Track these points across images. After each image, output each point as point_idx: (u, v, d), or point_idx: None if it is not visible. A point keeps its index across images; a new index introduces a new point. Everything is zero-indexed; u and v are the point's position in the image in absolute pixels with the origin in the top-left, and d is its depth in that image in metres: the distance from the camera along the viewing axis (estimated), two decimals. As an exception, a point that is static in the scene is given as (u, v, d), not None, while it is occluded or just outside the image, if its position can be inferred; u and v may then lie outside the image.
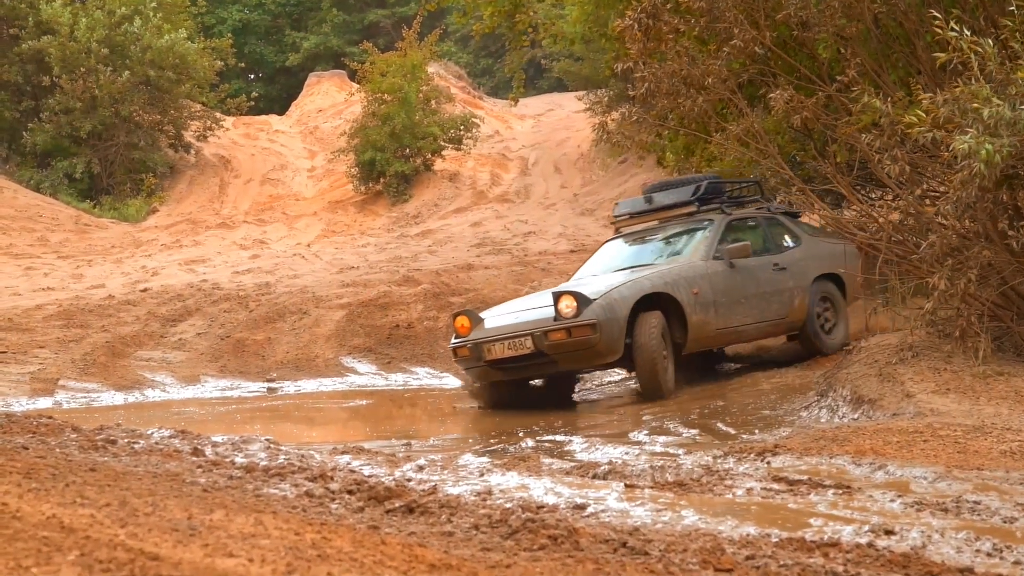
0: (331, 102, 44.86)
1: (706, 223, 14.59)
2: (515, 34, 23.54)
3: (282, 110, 47.60)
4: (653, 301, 13.03)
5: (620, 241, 15.46)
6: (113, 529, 4.16)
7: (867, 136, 11.00)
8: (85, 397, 14.96)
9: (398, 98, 32.88)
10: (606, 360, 12.93)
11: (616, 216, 15.81)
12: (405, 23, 39.39)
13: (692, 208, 14.89)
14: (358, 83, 36.50)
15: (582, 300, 12.61)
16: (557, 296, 12.77)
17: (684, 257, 14.15)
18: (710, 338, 13.69)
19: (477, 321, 13.18)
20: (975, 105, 9.44)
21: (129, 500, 4.77)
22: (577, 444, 9.45)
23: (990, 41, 9.59)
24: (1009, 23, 9.73)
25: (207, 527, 4.37)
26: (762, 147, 12.97)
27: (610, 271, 14.28)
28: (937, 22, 9.83)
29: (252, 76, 56.07)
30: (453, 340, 13.34)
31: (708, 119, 13.19)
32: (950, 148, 9.54)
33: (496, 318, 13.35)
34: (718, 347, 14.74)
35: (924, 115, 9.69)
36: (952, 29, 9.70)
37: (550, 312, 12.77)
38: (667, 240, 14.77)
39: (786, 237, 14.86)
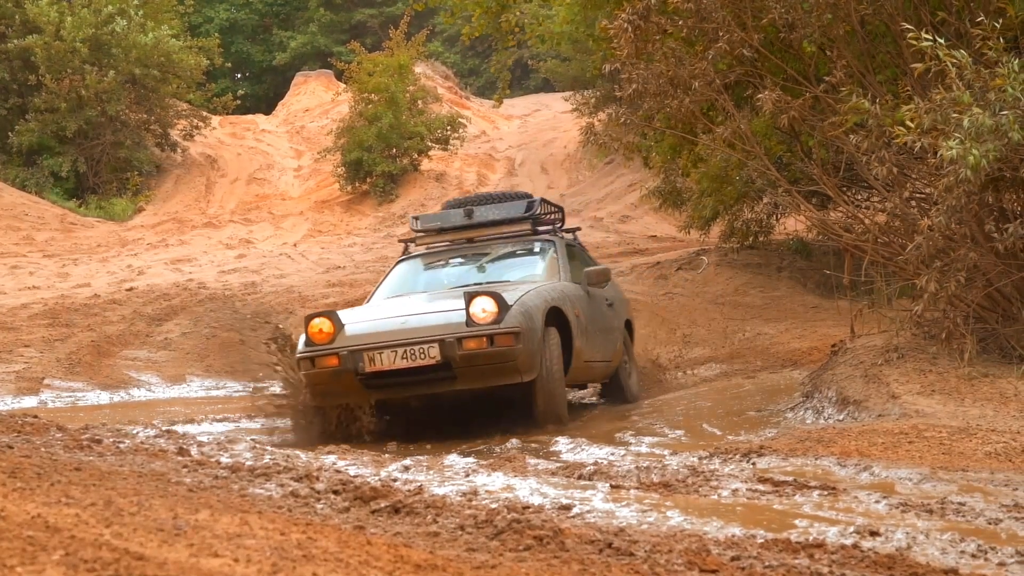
0: (318, 102, 44.85)
1: (543, 244, 13.06)
2: (502, 34, 23.54)
3: (269, 109, 47.58)
4: (550, 318, 11.22)
5: (422, 260, 13.37)
6: (98, 529, 4.15)
7: (854, 137, 11.01)
8: (70, 396, 14.94)
9: (385, 98, 32.89)
10: (521, 379, 10.78)
11: (419, 230, 13.60)
12: (392, 23, 39.38)
13: (524, 227, 13.17)
14: (345, 83, 36.52)
15: (502, 304, 10.64)
16: (471, 296, 10.70)
17: (542, 277, 12.40)
18: (580, 370, 11.93)
19: (340, 326, 10.82)
20: (955, 115, 9.46)
21: (114, 500, 4.76)
22: (563, 445, 9.44)
23: (963, 52, 9.60)
24: (980, 31, 9.74)
25: (192, 527, 4.36)
26: (749, 148, 12.98)
27: (430, 292, 12.29)
28: (912, 34, 9.85)
29: (239, 75, 56.05)
30: (305, 349, 10.78)
31: (695, 120, 13.18)
32: (937, 155, 9.56)
33: (367, 323, 11.06)
34: (578, 384, 12.99)
35: (911, 124, 9.71)
36: (926, 39, 9.72)
37: (456, 317, 10.69)
38: (499, 260, 12.96)
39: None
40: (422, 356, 10.54)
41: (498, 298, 10.66)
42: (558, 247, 12.92)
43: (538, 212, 13.27)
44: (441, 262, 13.28)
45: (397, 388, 10.83)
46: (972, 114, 9.34)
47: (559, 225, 13.64)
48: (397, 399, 11.15)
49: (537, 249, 13.09)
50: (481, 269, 12.81)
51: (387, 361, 10.57)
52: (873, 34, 12.26)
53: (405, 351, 10.57)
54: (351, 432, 10.88)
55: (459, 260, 13.20)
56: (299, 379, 11.05)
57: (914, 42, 9.80)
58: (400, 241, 14.44)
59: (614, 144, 20.39)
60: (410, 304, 11.61)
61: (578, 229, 14.24)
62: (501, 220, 13.22)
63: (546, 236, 13.16)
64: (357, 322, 11.05)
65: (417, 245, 13.63)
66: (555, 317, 11.27)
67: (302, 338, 10.95)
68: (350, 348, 10.64)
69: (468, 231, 13.35)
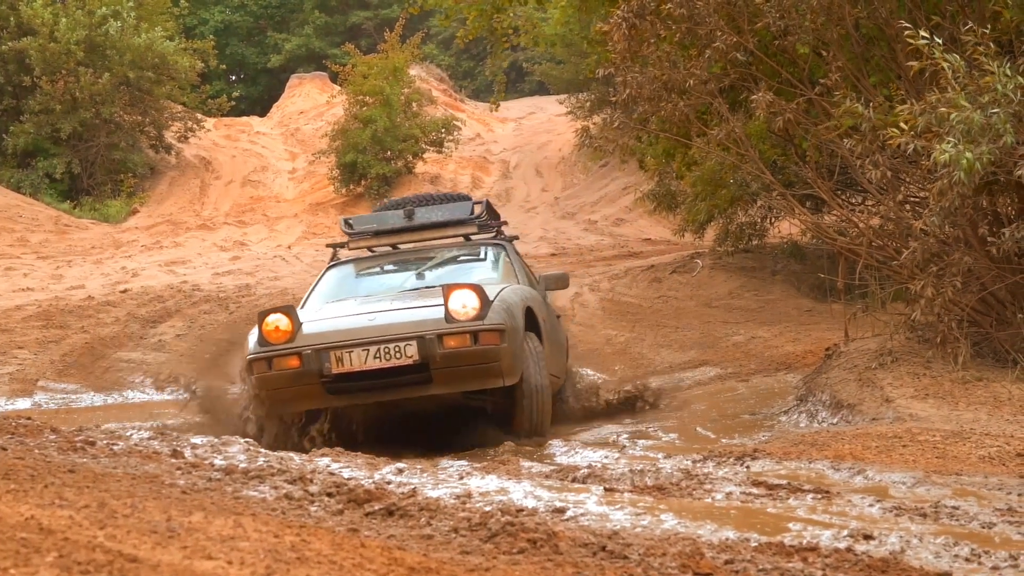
0: (312, 104, 44.83)
1: (493, 248, 12.12)
2: (497, 37, 23.56)
3: (263, 111, 47.56)
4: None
5: (355, 266, 12.29)
6: (92, 531, 4.15)
7: (848, 141, 11.02)
8: (64, 398, 14.93)
9: (380, 100, 32.91)
10: (503, 383, 9.91)
11: (353, 233, 12.37)
12: (388, 25, 39.42)
13: (471, 229, 12.27)
14: (340, 85, 36.53)
15: (484, 299, 9.79)
16: (450, 289, 9.84)
17: (498, 282, 11.25)
18: None
19: (299, 324, 9.87)
20: (944, 110, 9.47)
21: (108, 502, 4.76)
22: (557, 448, 9.45)
23: (956, 56, 9.62)
24: (971, 38, 9.76)
25: (186, 529, 4.36)
26: (743, 152, 12.98)
27: (372, 298, 11.05)
28: (908, 32, 9.86)
29: (234, 77, 56.06)
30: (259, 349, 9.76)
31: (689, 123, 13.18)
32: (931, 157, 9.57)
33: (328, 321, 10.15)
34: None
35: (905, 126, 9.72)
36: (923, 37, 9.74)
37: (433, 313, 9.83)
38: (446, 264, 11.95)
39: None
40: (398, 355, 9.62)
41: (480, 292, 9.82)
42: (509, 251, 12.12)
43: (483, 215, 12.36)
44: (377, 268, 12.30)
45: (365, 393, 9.85)
46: (963, 109, 9.35)
47: (500, 232, 12.63)
48: (360, 406, 10.12)
49: (486, 254, 12.12)
50: (425, 274, 11.68)
51: (357, 361, 9.64)
52: (867, 37, 12.27)
53: (379, 350, 9.63)
54: (292, 447, 9.46)
55: (399, 265, 12.24)
56: (247, 384, 10.09)
57: (911, 41, 9.81)
58: (328, 246, 13.18)
59: (609, 147, 20.42)
60: (367, 304, 10.63)
61: (516, 238, 13.13)
62: (445, 222, 12.31)
63: (495, 240, 12.30)
64: (316, 320, 10.15)
65: (350, 249, 12.70)
66: (529, 319, 10.47)
67: (253, 336, 9.94)
68: (315, 347, 9.68)
69: (407, 234, 12.43)
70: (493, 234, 12.44)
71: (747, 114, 12.84)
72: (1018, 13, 10.15)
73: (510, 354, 9.85)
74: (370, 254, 12.63)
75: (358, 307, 10.54)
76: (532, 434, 10.11)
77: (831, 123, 11.24)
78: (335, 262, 12.35)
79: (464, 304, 9.76)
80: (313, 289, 11.85)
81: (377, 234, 12.38)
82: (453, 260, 12.02)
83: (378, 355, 9.65)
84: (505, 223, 12.94)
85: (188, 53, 35.76)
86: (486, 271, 11.72)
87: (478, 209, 12.34)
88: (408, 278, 11.63)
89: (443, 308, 9.78)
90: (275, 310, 10.05)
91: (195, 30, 49.05)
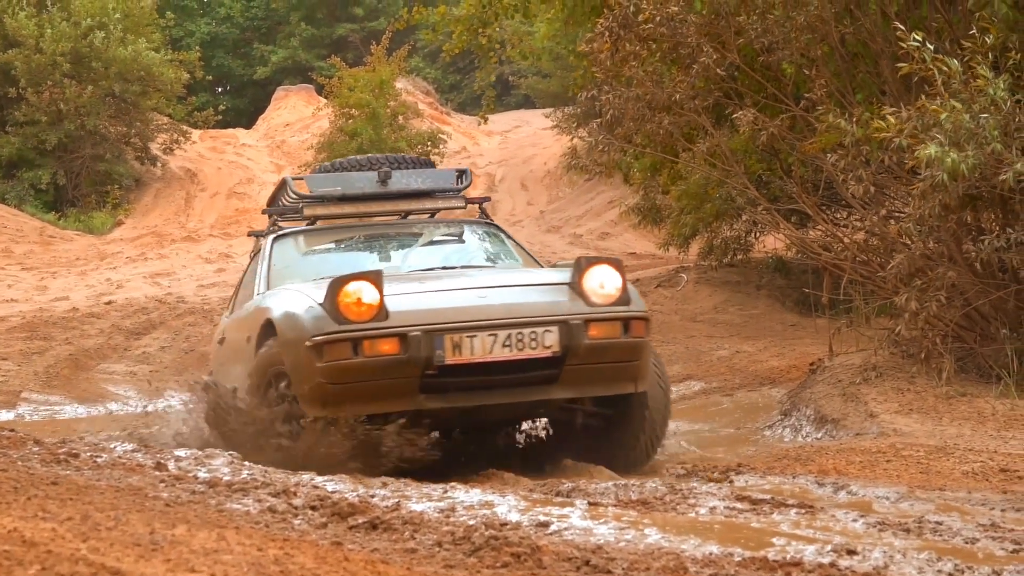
0: (298, 116, 44.81)
1: (487, 227, 10.31)
2: (483, 51, 23.59)
3: (249, 124, 47.53)
4: None
5: (307, 239, 10.10)
6: (75, 543, 4.14)
7: (832, 156, 11.05)
8: (48, 410, 14.89)
9: (366, 113, 32.91)
10: (633, 389, 8.15)
11: (309, 198, 9.96)
12: (374, 38, 39.41)
13: (455, 203, 10.33)
14: (326, 97, 36.54)
15: (625, 278, 8.09)
16: (588, 263, 8.02)
17: (520, 266, 9.60)
18: None
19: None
20: (935, 109, 9.49)
21: (91, 514, 4.75)
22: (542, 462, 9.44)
23: (955, 61, 9.65)
24: (971, 44, 9.79)
25: (169, 542, 4.35)
26: (728, 167, 13.01)
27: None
28: (900, 32, 9.88)
29: (220, 89, 56.02)
30: (338, 328, 7.61)
31: (674, 140, 13.20)
32: (915, 155, 9.59)
33: (423, 296, 8.15)
34: None
35: (892, 120, 9.73)
36: (915, 40, 9.76)
37: (556, 293, 8.06)
38: (441, 243, 10.16)
39: None
40: (532, 344, 7.69)
41: (621, 268, 8.07)
42: (502, 233, 10.31)
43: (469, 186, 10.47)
44: (346, 243, 10.10)
45: (471, 393, 7.88)
46: (952, 109, 9.37)
47: (484, 211, 10.72)
48: (452, 412, 8.09)
49: (484, 232, 10.27)
50: (427, 252, 9.91)
51: (480, 349, 7.64)
52: (852, 53, 12.31)
53: (509, 336, 7.67)
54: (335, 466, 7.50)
55: (377, 242, 10.13)
56: (298, 376, 7.84)
57: (903, 44, 9.84)
58: (265, 212, 10.67)
59: (596, 168, 20.44)
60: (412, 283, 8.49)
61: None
62: (426, 192, 10.18)
63: (485, 219, 10.47)
64: (402, 294, 7.96)
65: (297, 218, 10.21)
66: None
67: (315, 310, 7.79)
68: (424, 328, 7.59)
69: (377, 203, 10.15)
70: (480, 212, 10.62)
71: (732, 129, 12.88)
72: (1004, 29, 10.19)
73: (650, 352, 8.33)
74: (313, 228, 10.21)
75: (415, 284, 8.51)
76: (641, 461, 8.47)
77: (816, 139, 11.27)
78: (281, 232, 10.06)
79: (602, 283, 7.98)
80: (261, 269, 9.59)
81: (342, 199, 9.99)
82: (448, 240, 10.24)
83: (508, 342, 7.68)
84: (488, 199, 11.10)
85: (174, 65, 35.74)
86: (500, 255, 9.98)
87: (464, 180, 10.41)
88: (402, 257, 9.81)
89: (565, 287, 8.09)
90: (358, 276, 7.82)
91: (181, 42, 49.01)
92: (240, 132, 45.21)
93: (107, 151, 34.17)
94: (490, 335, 7.65)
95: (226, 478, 6.71)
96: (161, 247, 30.06)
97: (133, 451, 7.81)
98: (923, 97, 9.75)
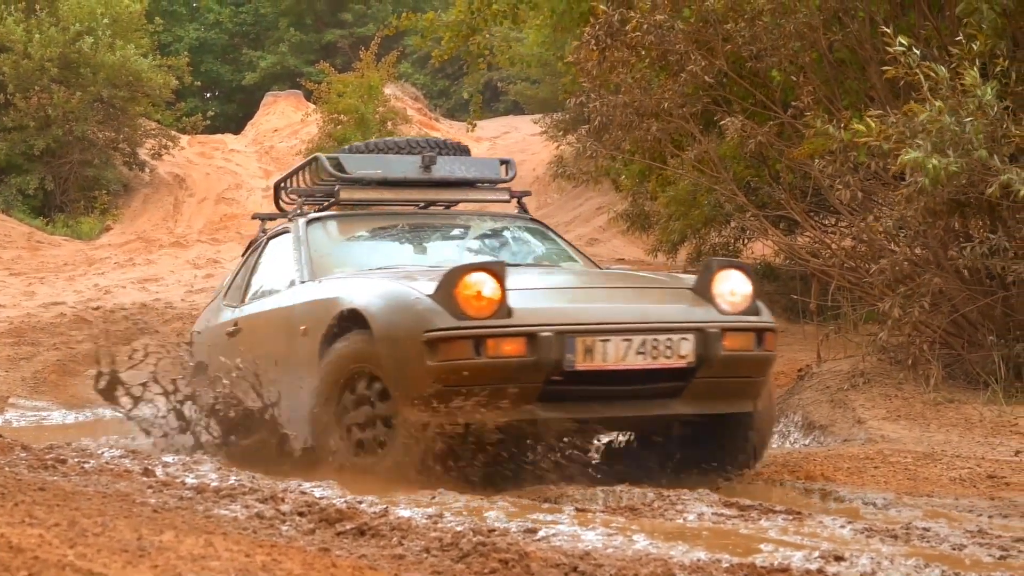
0: (287, 122, 44.77)
1: (532, 223, 9.83)
2: (472, 57, 23.61)
3: (238, 129, 47.46)
4: None
5: (344, 226, 9.38)
6: (62, 549, 4.13)
7: (819, 162, 11.06)
8: (35, 416, 14.86)
9: (354, 119, 32.92)
10: (751, 407, 7.58)
11: (348, 180, 9.26)
12: (363, 44, 39.40)
13: (500, 195, 9.83)
14: (314, 103, 36.53)
15: (754, 283, 7.60)
16: (719, 267, 7.49)
17: (574, 265, 9.07)
18: None
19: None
20: (915, 107, 9.51)
21: (78, 520, 4.74)
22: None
23: (943, 68, 9.67)
24: (958, 51, 9.81)
25: (157, 548, 4.35)
26: (716, 173, 13.02)
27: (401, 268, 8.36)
28: (886, 37, 9.90)
29: (208, 95, 56.00)
30: (458, 324, 6.83)
31: (662, 146, 13.21)
32: (897, 160, 9.62)
33: (542, 293, 7.59)
34: None
35: (872, 124, 9.74)
36: (901, 44, 9.78)
37: (673, 302, 7.47)
38: (492, 238, 9.49)
39: None
40: (667, 352, 7.01)
41: (751, 274, 7.57)
42: (553, 231, 9.89)
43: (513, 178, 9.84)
44: (391, 232, 9.43)
45: (591, 404, 7.13)
46: (935, 111, 9.38)
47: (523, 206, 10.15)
48: (562, 424, 7.23)
49: (534, 229, 9.72)
50: (481, 247, 9.27)
51: (614, 355, 6.94)
52: (840, 60, 12.33)
53: (644, 342, 6.98)
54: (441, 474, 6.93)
55: (423, 231, 9.54)
56: (398, 376, 7.04)
57: (889, 47, 9.86)
58: (292, 192, 9.85)
59: (584, 177, 20.45)
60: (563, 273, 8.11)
61: None
62: (472, 180, 9.64)
63: (528, 216, 9.94)
64: (521, 289, 7.19)
65: (336, 204, 9.40)
66: None
67: (425, 302, 7.00)
68: (555, 328, 6.87)
69: (418, 191, 9.60)
70: (518, 208, 10.00)
71: (720, 136, 12.89)
72: (992, 36, 10.21)
73: (772, 363, 7.75)
74: (348, 213, 9.56)
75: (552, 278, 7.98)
76: (746, 466, 7.87)
77: (803, 145, 11.28)
78: (314, 215, 9.25)
79: (733, 289, 7.43)
80: (305, 255, 8.74)
81: (382, 184, 9.42)
82: (507, 234, 9.59)
83: (642, 349, 7.00)
84: (528, 193, 10.37)
85: (163, 70, 35.69)
86: (557, 254, 9.39)
87: (509, 170, 9.79)
88: (460, 253, 9.10)
89: (688, 291, 7.53)
90: (477, 267, 7.06)
91: (170, 47, 48.91)
92: (229, 138, 45.15)
93: (95, 156, 34.11)
94: (624, 340, 6.97)
95: (214, 484, 6.71)
96: (149, 252, 30.00)
97: (121, 457, 7.81)
98: (911, 102, 9.76)
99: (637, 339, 6.97)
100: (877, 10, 11.51)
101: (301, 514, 5.73)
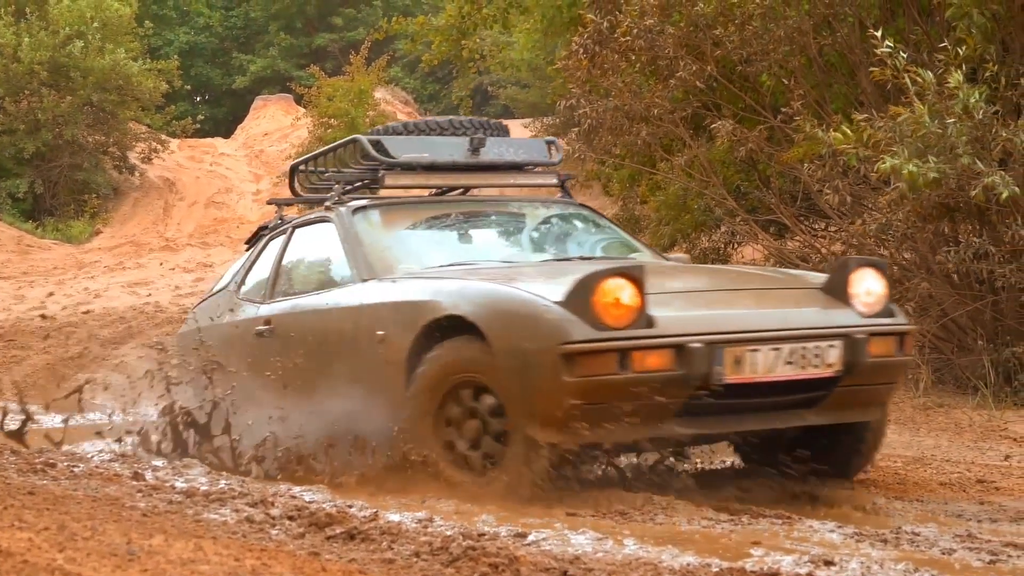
0: (277, 126, 44.73)
1: (584, 209, 9.09)
2: (463, 61, 23.62)
3: (228, 133, 47.44)
4: None
5: (389, 215, 8.53)
6: (51, 553, 4.13)
7: (808, 166, 11.08)
8: (24, 419, 14.82)
9: (345, 123, 32.87)
10: (879, 415, 7.21)
11: (395, 164, 8.51)
12: (353, 48, 39.39)
13: (549, 179, 9.09)
14: (305, 107, 36.52)
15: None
16: (855, 265, 6.94)
17: (650, 258, 8.29)
18: None
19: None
20: (897, 110, 9.53)
21: (68, 524, 4.74)
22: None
23: (929, 73, 9.68)
24: (943, 57, 9.83)
25: (146, 552, 4.34)
26: (706, 178, 13.03)
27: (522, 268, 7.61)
28: (874, 40, 9.92)
29: (198, 98, 55.95)
30: (602, 335, 6.14)
31: (653, 150, 13.22)
32: (875, 168, 9.64)
33: (677, 298, 6.88)
34: None
35: (849, 133, 9.76)
36: (888, 46, 9.80)
37: (811, 305, 6.91)
38: (546, 225, 8.85)
39: None
40: (815, 361, 6.50)
41: (885, 272, 7.02)
42: (605, 217, 9.23)
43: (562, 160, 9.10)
44: (445, 222, 8.69)
45: (728, 418, 6.64)
46: (917, 113, 9.40)
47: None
48: (695, 441, 6.90)
49: (588, 215, 8.98)
50: (542, 241, 8.63)
51: (763, 366, 6.39)
52: (830, 64, 12.35)
53: (793, 351, 6.45)
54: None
55: (479, 220, 8.91)
56: (524, 392, 6.34)
57: (876, 50, 9.87)
58: (328, 176, 8.99)
59: (573, 180, 20.48)
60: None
61: None
62: (521, 164, 8.90)
63: (573, 200, 9.15)
64: (654, 293, 6.37)
65: (382, 188, 8.70)
66: None
67: (555, 310, 6.29)
68: (704, 338, 6.26)
69: (465, 176, 8.90)
70: (560, 191, 9.19)
71: (710, 140, 12.91)
72: (982, 41, 10.22)
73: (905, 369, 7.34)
74: (392, 200, 8.85)
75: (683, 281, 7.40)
76: (859, 473, 7.48)
77: (793, 150, 11.30)
78: (360, 203, 8.37)
79: (869, 289, 6.87)
80: (359, 248, 7.88)
81: (431, 169, 8.65)
82: (565, 222, 8.94)
83: (792, 359, 6.46)
84: (571, 176, 9.62)
85: (153, 74, 35.66)
86: (616, 245, 8.62)
87: (556, 152, 9.06)
88: (525, 245, 8.55)
89: (818, 292, 7.03)
90: (615, 272, 6.34)
91: (160, 51, 48.88)
92: (219, 141, 45.11)
93: (85, 160, 34.07)
94: (773, 349, 6.41)
95: (203, 488, 6.70)
96: (139, 256, 29.96)
97: (110, 461, 7.80)
98: (900, 107, 9.78)
99: (786, 348, 6.44)
100: (867, 15, 11.53)
101: (291, 518, 5.72)
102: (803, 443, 7.10)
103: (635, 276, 6.22)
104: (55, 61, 32.89)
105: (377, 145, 8.44)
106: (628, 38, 12.17)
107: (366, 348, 7.29)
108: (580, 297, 6.20)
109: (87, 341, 18.87)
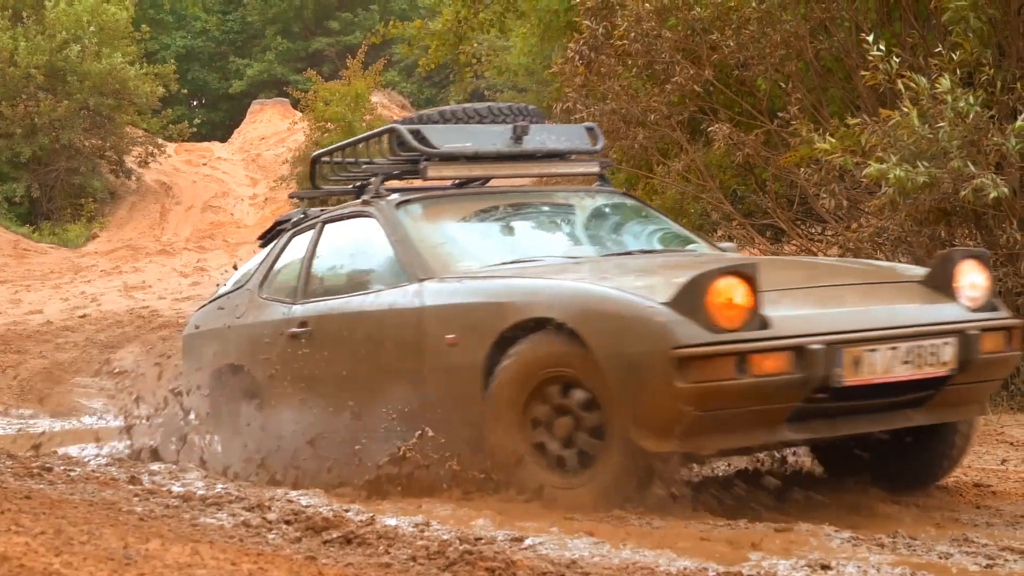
0: (274, 130, 44.77)
1: (620, 197, 8.75)
2: (459, 66, 23.63)
3: (224, 137, 47.47)
4: None
5: (431, 208, 8.02)
6: (48, 558, 4.12)
7: (805, 171, 11.08)
8: (21, 424, 14.82)
9: (341, 127, 32.89)
10: (981, 413, 7.15)
11: (438, 155, 7.93)
12: (350, 52, 39.41)
13: (591, 167, 8.65)
14: (301, 111, 36.53)
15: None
16: (961, 257, 6.68)
17: (706, 250, 8.00)
18: None
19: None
20: (888, 113, 9.54)
21: (65, 528, 4.73)
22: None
23: (923, 78, 9.68)
24: (937, 62, 9.84)
25: (143, 556, 4.34)
26: (703, 182, 13.03)
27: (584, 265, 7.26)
28: (866, 45, 9.93)
29: (195, 102, 55.98)
30: (720, 339, 5.85)
31: (649, 154, 13.22)
32: (863, 173, 9.65)
33: (793, 295, 6.49)
34: None
35: (835, 141, 9.77)
36: (879, 49, 9.80)
37: (917, 299, 6.64)
38: (600, 218, 8.42)
39: None
40: (931, 360, 6.23)
41: (988, 263, 6.78)
42: (651, 207, 8.89)
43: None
44: (495, 215, 8.28)
45: (837, 421, 6.35)
46: (905, 116, 9.40)
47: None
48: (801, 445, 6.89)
49: (636, 206, 8.67)
50: (596, 234, 8.25)
51: (881, 366, 6.11)
52: (826, 69, 12.35)
53: (910, 350, 6.17)
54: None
55: (529, 212, 8.45)
56: (630, 399, 6.02)
57: (869, 53, 9.87)
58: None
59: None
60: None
61: None
62: (564, 152, 8.47)
63: (616, 190, 8.85)
64: (765, 291, 6.04)
65: (424, 179, 8.10)
66: None
67: (662, 311, 5.97)
68: (824, 338, 5.98)
69: (508, 165, 8.38)
70: (599, 180, 8.78)
71: (706, 144, 12.90)
72: (978, 45, 10.22)
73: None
74: (436, 192, 8.47)
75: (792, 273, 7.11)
76: (946, 475, 7.25)
77: (789, 154, 11.30)
78: (405, 197, 7.95)
79: (974, 282, 6.63)
80: (411, 245, 7.45)
81: (474, 159, 8.15)
82: (614, 213, 8.53)
83: (909, 358, 6.19)
84: (611, 163, 9.42)
85: (149, 78, 35.69)
86: (671, 237, 8.30)
87: (597, 139, 8.66)
88: (574, 238, 8.21)
89: (917, 285, 6.77)
90: (726, 271, 6.03)
91: (157, 55, 48.90)
92: (215, 145, 45.16)
93: (81, 164, 34.13)
94: (890, 348, 6.13)
95: (200, 492, 6.70)
96: (136, 260, 29.98)
97: (107, 465, 7.79)
98: (893, 111, 9.79)
99: (903, 346, 6.16)
100: (863, 19, 11.53)
101: (288, 522, 5.72)
102: (889, 446, 6.94)
103: (748, 275, 5.94)
104: (52, 65, 32.93)
105: (417, 134, 7.91)
106: (625, 42, 12.16)
107: (433, 352, 6.95)
108: (691, 298, 5.92)
109: (84, 345, 18.88)
